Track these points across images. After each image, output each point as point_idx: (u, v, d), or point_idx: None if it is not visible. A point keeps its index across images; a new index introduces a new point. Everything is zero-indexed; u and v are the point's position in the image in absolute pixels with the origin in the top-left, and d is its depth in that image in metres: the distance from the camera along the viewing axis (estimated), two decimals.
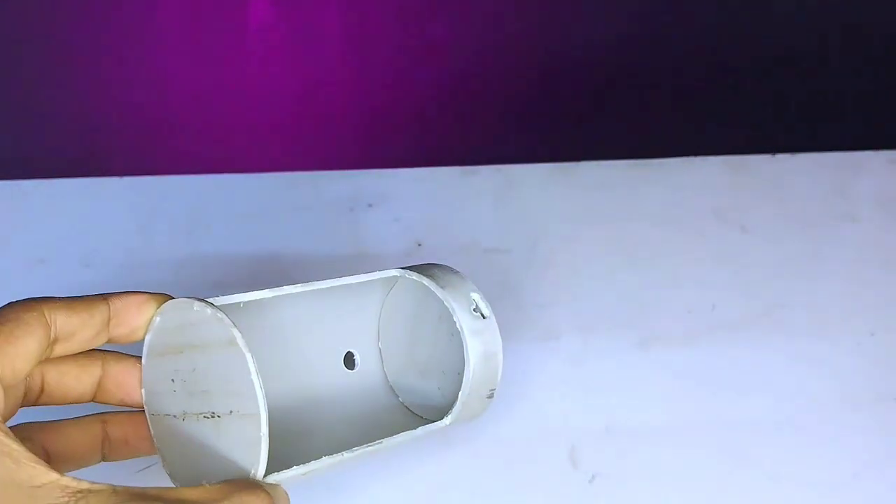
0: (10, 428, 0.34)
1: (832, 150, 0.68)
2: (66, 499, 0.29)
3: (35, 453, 0.34)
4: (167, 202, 0.61)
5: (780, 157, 0.67)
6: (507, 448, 0.48)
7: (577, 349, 0.52)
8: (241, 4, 0.71)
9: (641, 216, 0.63)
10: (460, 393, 0.42)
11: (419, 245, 0.59)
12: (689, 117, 0.80)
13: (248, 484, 0.33)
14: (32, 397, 0.36)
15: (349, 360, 0.46)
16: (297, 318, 0.44)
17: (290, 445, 0.40)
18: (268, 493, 0.33)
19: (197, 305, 0.35)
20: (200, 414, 0.36)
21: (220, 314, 0.34)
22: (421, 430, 0.42)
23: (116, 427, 0.39)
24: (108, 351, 0.38)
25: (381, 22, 0.73)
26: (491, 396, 0.44)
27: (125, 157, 0.75)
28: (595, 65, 0.78)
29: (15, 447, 0.30)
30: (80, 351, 0.36)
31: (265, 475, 0.34)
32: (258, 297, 0.38)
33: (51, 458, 0.37)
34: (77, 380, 0.37)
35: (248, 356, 0.33)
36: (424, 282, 0.42)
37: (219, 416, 0.35)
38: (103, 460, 0.39)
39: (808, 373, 0.53)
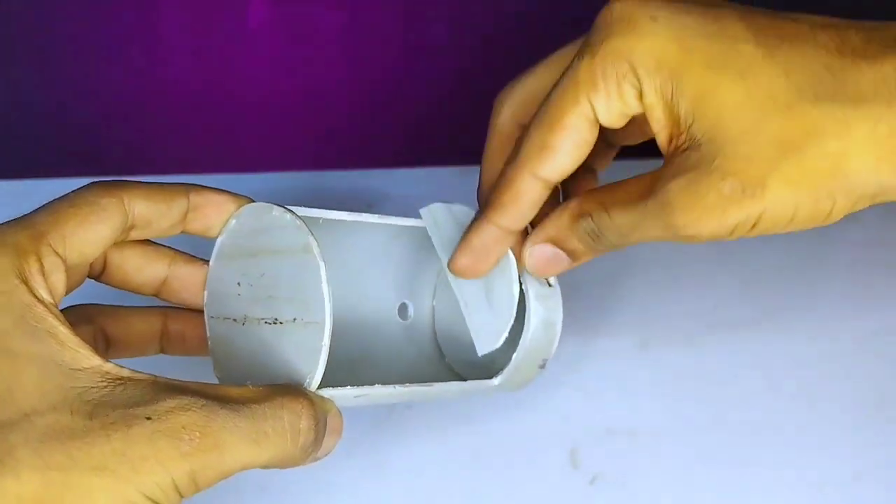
0: (74, 307, 0.36)
1: None
2: (106, 384, 0.29)
3: (94, 336, 0.36)
4: None
5: None
6: (507, 448, 0.48)
7: (577, 349, 0.52)
8: (240, 4, 0.71)
9: None
10: (514, 354, 0.41)
11: None
12: None
13: (291, 389, 0.33)
14: (94, 273, 0.37)
15: (403, 311, 0.46)
16: (366, 249, 0.44)
17: (334, 373, 0.40)
18: (311, 401, 0.33)
19: (276, 210, 0.35)
20: (262, 319, 0.36)
21: (298, 221, 0.35)
22: (470, 384, 0.41)
23: (176, 322, 0.39)
24: (179, 251, 0.38)
25: (381, 22, 0.73)
26: (543, 366, 0.43)
27: (125, 157, 0.75)
28: None
29: (62, 329, 0.30)
30: (155, 238, 0.37)
31: (320, 389, 0.34)
32: (337, 218, 0.38)
33: (110, 343, 0.37)
34: (138, 270, 0.37)
35: (321, 264, 0.34)
36: None
37: (281, 323, 0.35)
38: (161, 352, 0.39)
39: (808, 373, 0.53)
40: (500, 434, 0.49)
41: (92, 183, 0.35)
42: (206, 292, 0.38)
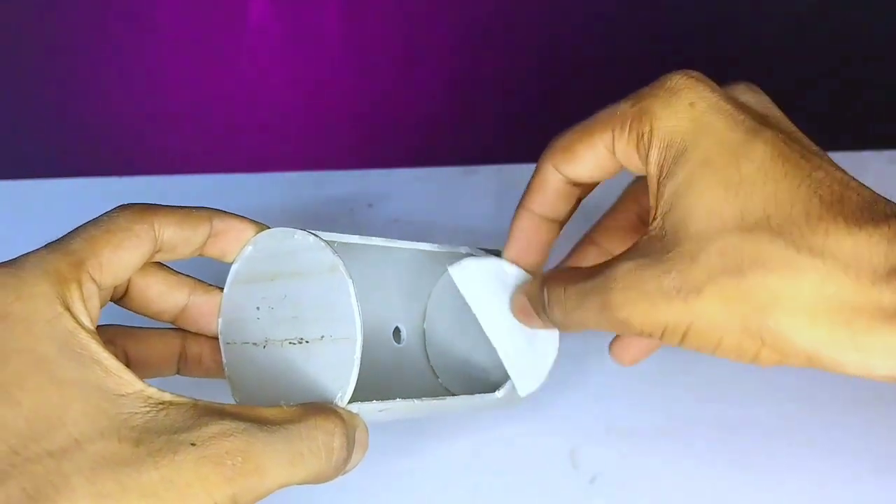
0: (101, 328, 0.36)
1: (832, 150, 0.68)
2: (149, 409, 0.30)
3: (116, 356, 0.35)
4: (167, 202, 0.61)
5: None
6: (507, 448, 0.48)
7: (577, 349, 0.52)
8: (240, 4, 0.71)
9: None
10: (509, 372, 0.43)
11: None
12: None
13: (323, 408, 0.33)
14: (115, 297, 0.37)
15: (397, 334, 0.46)
16: (370, 273, 0.44)
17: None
18: (342, 419, 0.33)
19: (298, 234, 0.36)
20: (286, 340, 0.37)
21: (323, 242, 0.36)
22: (479, 397, 0.43)
23: (194, 344, 0.40)
24: (197, 280, 0.39)
25: (381, 22, 0.73)
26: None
27: (125, 157, 0.75)
28: (595, 64, 0.78)
29: (104, 355, 0.31)
30: (175, 260, 0.37)
31: (349, 403, 0.35)
32: (347, 241, 0.39)
33: (130, 363, 0.38)
34: (160, 297, 0.38)
35: (350, 282, 0.35)
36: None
37: (307, 342, 0.36)
38: (178, 374, 0.40)
39: (808, 373, 0.53)
40: (500, 433, 0.49)
41: (123, 207, 0.35)
42: (219, 319, 0.39)
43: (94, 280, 0.33)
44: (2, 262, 0.32)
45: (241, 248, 0.38)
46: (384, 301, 0.46)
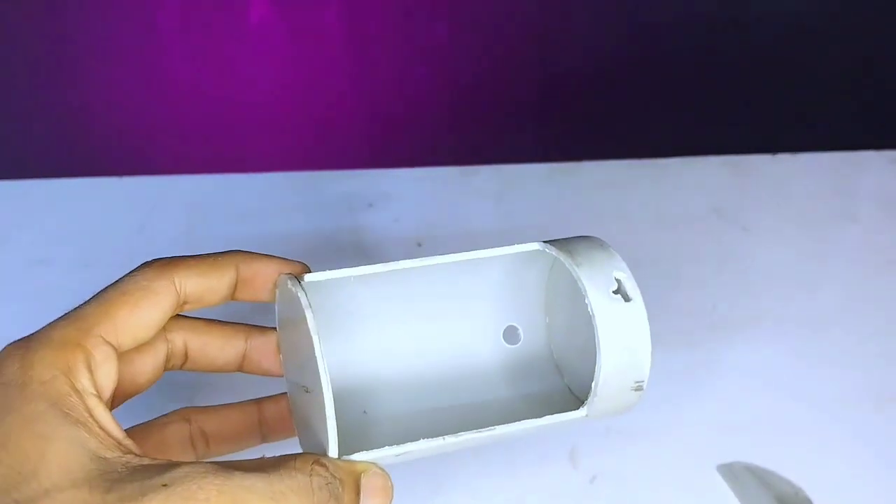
0: (177, 411, 0.39)
1: (832, 150, 0.68)
2: (127, 470, 0.30)
3: (190, 435, 0.39)
4: (167, 202, 0.61)
5: (781, 157, 0.67)
6: (507, 448, 0.48)
7: None
8: (241, 4, 0.71)
9: (641, 216, 0.63)
10: (593, 384, 0.37)
11: (419, 245, 0.59)
12: (689, 117, 0.80)
13: (304, 455, 0.33)
14: (178, 362, 0.38)
15: (511, 334, 0.43)
16: (466, 284, 0.43)
17: (437, 422, 0.39)
18: (322, 464, 0.33)
19: (290, 282, 0.36)
20: (303, 387, 0.36)
21: (300, 292, 0.35)
22: (549, 419, 0.37)
23: (270, 406, 0.40)
24: (252, 325, 0.39)
25: (381, 22, 0.73)
26: (639, 389, 0.39)
27: (125, 157, 0.75)
28: (595, 65, 0.78)
29: (90, 418, 0.31)
30: (205, 308, 0.38)
31: (355, 453, 0.34)
32: (401, 267, 0.38)
33: (210, 440, 0.39)
34: (220, 350, 0.39)
35: (315, 337, 0.33)
36: (561, 257, 0.38)
37: (308, 392, 0.35)
38: (263, 441, 0.41)
39: (808, 373, 0.53)
40: (500, 433, 0.49)
41: (145, 264, 0.36)
42: (280, 357, 0.39)
43: (108, 343, 0.34)
44: (20, 338, 0.33)
45: (272, 290, 0.38)
46: (488, 305, 0.43)
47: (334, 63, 0.74)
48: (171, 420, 0.39)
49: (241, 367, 0.39)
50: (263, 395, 0.41)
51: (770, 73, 0.79)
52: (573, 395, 0.42)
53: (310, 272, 0.38)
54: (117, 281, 0.35)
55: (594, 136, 0.79)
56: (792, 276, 0.59)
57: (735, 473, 0.47)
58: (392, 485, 0.34)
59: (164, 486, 0.29)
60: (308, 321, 0.34)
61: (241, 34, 0.72)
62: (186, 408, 0.39)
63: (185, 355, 0.38)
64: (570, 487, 0.47)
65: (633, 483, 0.47)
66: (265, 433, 0.40)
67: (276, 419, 0.40)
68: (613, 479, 0.47)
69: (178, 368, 0.38)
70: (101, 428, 0.31)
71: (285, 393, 0.40)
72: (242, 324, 0.39)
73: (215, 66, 0.74)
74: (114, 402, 0.35)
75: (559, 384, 0.43)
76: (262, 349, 0.39)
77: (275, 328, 0.39)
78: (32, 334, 0.33)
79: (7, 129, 0.73)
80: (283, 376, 0.40)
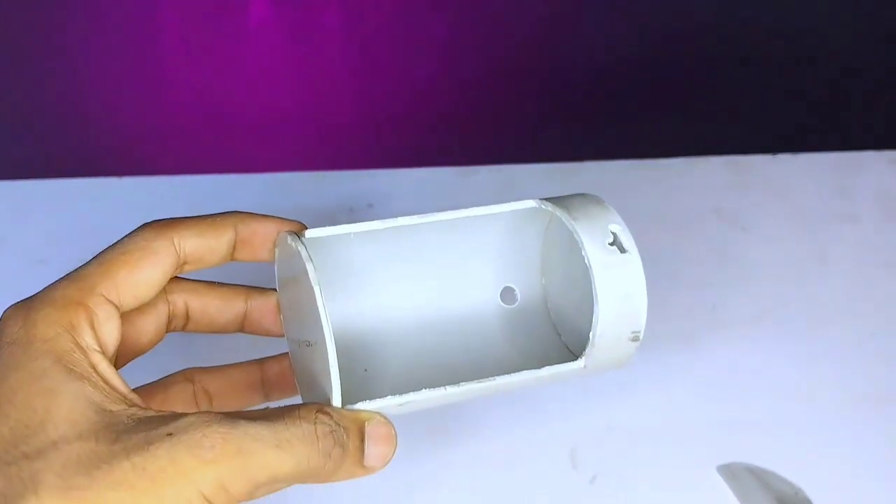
0: (181, 371, 0.39)
1: (832, 150, 0.68)
2: (132, 421, 0.30)
3: (194, 394, 0.39)
4: (167, 202, 0.61)
5: (781, 157, 0.67)
6: (507, 448, 0.48)
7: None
8: (240, 4, 0.71)
9: (641, 216, 0.63)
10: (591, 334, 0.38)
11: None
12: (689, 117, 0.80)
13: (308, 405, 0.33)
14: (179, 324, 0.39)
15: (508, 295, 0.44)
16: (461, 243, 0.43)
17: (438, 379, 0.38)
18: (326, 411, 0.33)
19: (290, 238, 0.36)
20: (304, 342, 0.37)
21: (300, 246, 0.35)
22: (549, 370, 0.38)
23: (273, 365, 0.41)
24: (252, 287, 0.40)
25: (381, 21, 0.73)
26: (636, 339, 0.39)
27: (125, 157, 0.75)
28: (595, 65, 0.78)
29: (95, 373, 0.32)
30: (205, 269, 0.38)
31: (360, 402, 0.34)
32: (403, 224, 0.38)
33: (213, 399, 0.40)
34: (220, 312, 0.39)
35: (317, 288, 0.34)
36: (557, 212, 0.39)
37: (312, 345, 0.36)
38: (266, 401, 0.41)
39: (808, 373, 0.53)
40: (500, 433, 0.49)
41: (143, 225, 0.36)
42: (280, 317, 0.40)
43: (110, 301, 0.34)
44: (21, 300, 0.34)
45: (272, 249, 0.38)
46: (486, 265, 0.44)
47: (334, 63, 0.74)
48: (175, 380, 0.39)
49: (242, 328, 0.40)
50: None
51: (770, 74, 0.79)
52: (571, 353, 0.43)
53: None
54: (117, 242, 0.36)
55: (594, 136, 0.79)
56: (792, 276, 0.59)
57: (735, 473, 0.47)
58: (396, 433, 0.35)
59: (170, 434, 0.29)
60: (309, 272, 0.34)
61: (241, 34, 0.72)
62: (190, 368, 0.40)
63: (187, 316, 0.39)
64: (570, 487, 0.47)
65: (633, 483, 0.47)
66: (268, 392, 0.41)
67: (278, 378, 0.41)
68: (613, 479, 0.47)
69: (179, 330, 0.39)
70: (106, 382, 0.32)
71: (287, 353, 0.41)
72: (242, 285, 0.40)
73: (215, 67, 0.74)
74: (117, 363, 0.35)
75: (557, 343, 0.44)
76: (263, 309, 0.40)
77: (274, 289, 0.40)
78: (34, 295, 0.34)
79: (7, 129, 0.73)
80: (283, 336, 0.40)
